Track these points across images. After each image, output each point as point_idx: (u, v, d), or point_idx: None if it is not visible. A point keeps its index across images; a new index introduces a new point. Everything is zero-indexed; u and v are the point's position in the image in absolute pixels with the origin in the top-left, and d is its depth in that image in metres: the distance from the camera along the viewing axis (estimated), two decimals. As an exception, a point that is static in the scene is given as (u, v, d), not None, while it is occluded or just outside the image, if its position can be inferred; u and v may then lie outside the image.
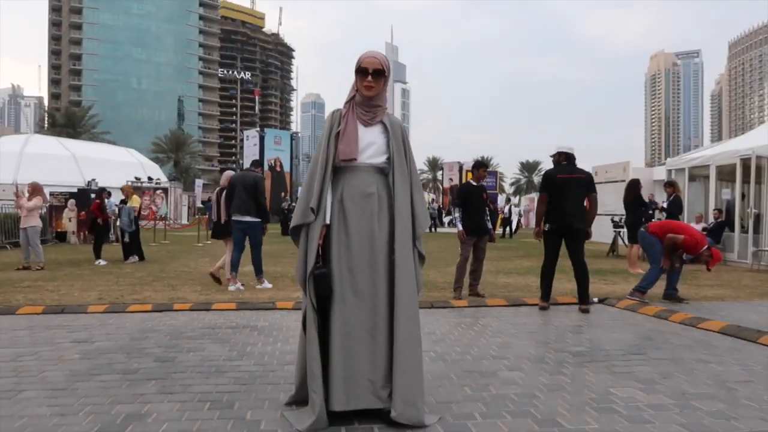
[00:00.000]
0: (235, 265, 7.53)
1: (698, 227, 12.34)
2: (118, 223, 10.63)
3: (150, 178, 29.78)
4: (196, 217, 20.36)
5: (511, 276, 9.13)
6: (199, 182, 56.45)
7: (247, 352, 4.04)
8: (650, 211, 10.65)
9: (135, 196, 10.90)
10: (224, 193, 7.72)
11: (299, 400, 2.84)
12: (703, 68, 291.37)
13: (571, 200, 5.88)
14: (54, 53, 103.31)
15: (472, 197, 6.66)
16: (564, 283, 7.45)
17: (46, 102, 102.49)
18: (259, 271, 7.73)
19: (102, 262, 10.45)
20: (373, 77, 2.74)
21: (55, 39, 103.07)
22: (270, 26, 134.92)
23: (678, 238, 6.20)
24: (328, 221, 2.73)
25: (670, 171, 14.31)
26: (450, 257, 12.22)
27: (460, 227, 6.60)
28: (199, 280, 8.26)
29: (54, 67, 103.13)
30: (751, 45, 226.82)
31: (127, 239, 10.56)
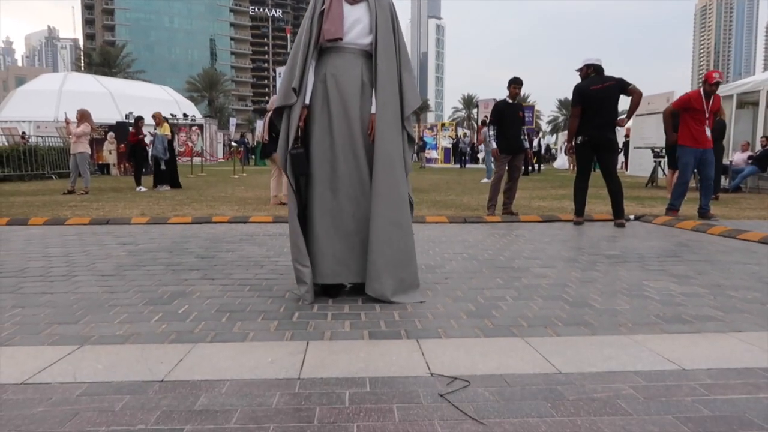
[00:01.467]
0: None
1: (743, 156, 11.90)
2: (152, 152, 10.80)
3: (185, 115, 30.07)
4: (232, 148, 20.55)
5: (546, 200, 9.04)
6: (233, 121, 56.79)
7: (284, 252, 4.16)
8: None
9: (165, 124, 11.03)
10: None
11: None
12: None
13: (604, 111, 5.74)
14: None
15: (507, 115, 6.52)
16: (599, 206, 7.35)
17: (81, 43, 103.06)
18: None
19: (143, 189, 10.74)
20: None
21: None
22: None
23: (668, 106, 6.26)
24: (308, 102, 2.71)
25: (716, 98, 13.69)
26: (484, 187, 12.14)
27: (494, 145, 6.51)
28: (236, 202, 8.44)
29: (87, 7, 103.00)
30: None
31: (163, 166, 10.77)
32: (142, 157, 11.15)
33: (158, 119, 11.02)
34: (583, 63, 5.96)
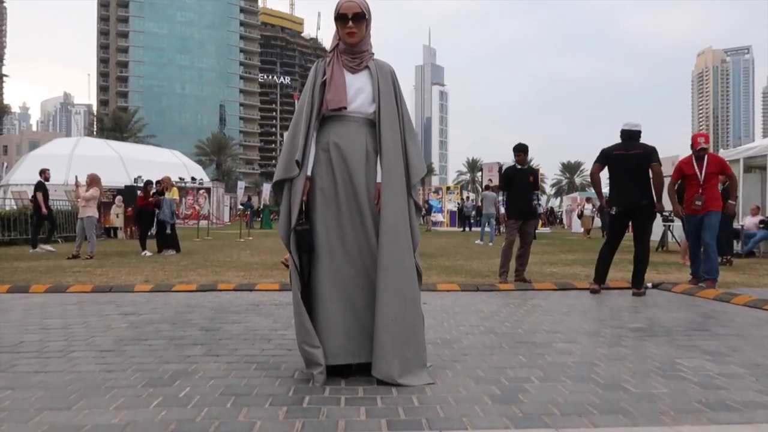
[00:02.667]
0: None
1: (755, 220, 11.78)
2: (159, 216, 10.78)
3: (193, 179, 30.43)
4: (239, 213, 20.63)
5: (557, 266, 8.86)
6: (241, 184, 57.45)
7: (291, 324, 3.97)
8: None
9: (174, 188, 11.08)
10: None
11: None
12: (754, 65, 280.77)
13: (633, 176, 5.54)
14: (102, 61, 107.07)
15: (516, 180, 6.47)
16: (614, 272, 7.17)
17: (95, 108, 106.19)
18: None
19: (148, 253, 10.65)
20: (353, 22, 2.62)
21: (103, 48, 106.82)
22: (309, 31, 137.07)
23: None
24: (310, 173, 2.62)
25: (723, 162, 13.73)
26: (494, 252, 11.99)
27: (503, 210, 6.43)
28: (242, 268, 8.30)
29: (102, 75, 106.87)
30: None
31: (168, 230, 10.72)
32: (148, 221, 11.10)
33: (167, 184, 11.07)
34: (622, 126, 5.88)
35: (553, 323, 4.07)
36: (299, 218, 2.56)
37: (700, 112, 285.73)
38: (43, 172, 11.87)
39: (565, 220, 42.90)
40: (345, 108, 2.60)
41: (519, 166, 6.57)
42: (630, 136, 5.72)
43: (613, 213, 5.71)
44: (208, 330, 3.77)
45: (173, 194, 11.03)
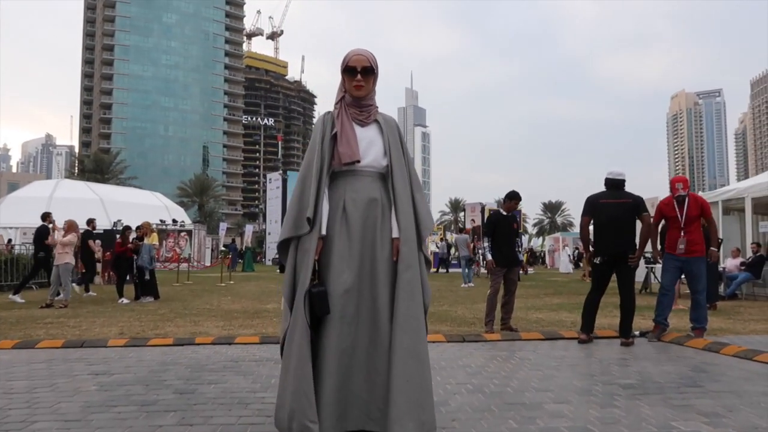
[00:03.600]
0: None
1: (736, 262, 11.86)
2: (138, 262, 10.52)
3: (174, 221, 30.11)
4: (220, 256, 20.26)
5: (542, 312, 8.77)
6: (223, 225, 56.94)
7: (271, 384, 3.81)
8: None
9: (154, 234, 10.88)
10: None
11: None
12: (725, 107, 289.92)
13: (619, 225, 5.51)
14: (86, 103, 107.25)
15: (501, 227, 6.43)
16: (599, 318, 7.08)
17: (76, 150, 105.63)
18: None
19: (125, 301, 10.35)
20: (362, 75, 2.56)
21: (87, 90, 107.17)
22: (293, 74, 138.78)
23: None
24: (324, 232, 2.49)
25: (702, 205, 13.91)
26: (477, 296, 11.88)
27: (489, 257, 6.36)
28: (222, 317, 8.07)
29: (85, 117, 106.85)
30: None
31: (147, 276, 10.46)
32: (126, 268, 10.82)
33: (146, 229, 10.87)
34: (606, 175, 5.87)
35: (543, 379, 3.95)
36: (312, 279, 2.42)
37: (676, 153, 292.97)
38: (91, 222, 13.33)
39: (547, 260, 43.08)
40: (359, 162, 2.51)
41: (505, 213, 6.54)
42: (615, 184, 5.69)
43: (597, 262, 5.66)
44: (182, 393, 3.58)
45: (152, 239, 10.82)
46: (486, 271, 19.64)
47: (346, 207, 2.49)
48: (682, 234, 5.80)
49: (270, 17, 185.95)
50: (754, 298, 11.35)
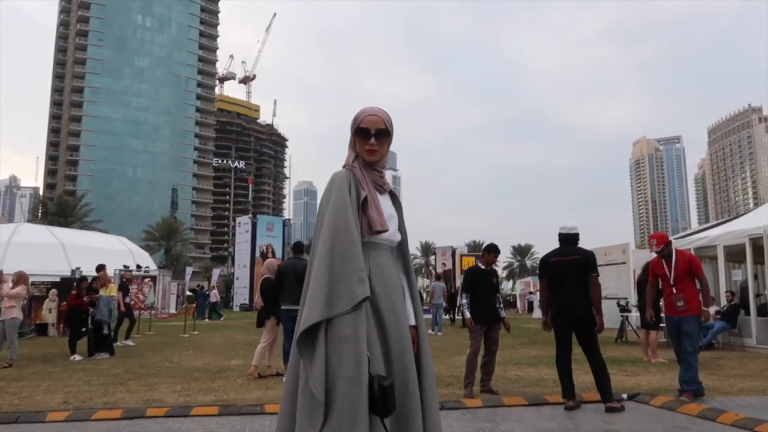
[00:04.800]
0: (287, 356, 6.95)
1: (711, 311, 11.76)
2: (96, 315, 9.84)
3: (138, 266, 29.06)
4: (184, 306, 19.36)
5: (521, 367, 8.41)
6: (189, 270, 55.59)
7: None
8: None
9: (111, 285, 10.24)
10: (262, 281, 7.68)
11: None
12: (684, 153, 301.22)
13: (569, 285, 5.27)
14: (52, 145, 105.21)
15: (481, 282, 6.12)
16: (582, 376, 6.77)
17: (41, 192, 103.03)
18: None
19: (77, 358, 9.64)
20: (376, 139, 2.23)
21: (54, 131, 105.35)
22: (265, 117, 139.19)
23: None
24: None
25: (674, 252, 13.91)
26: (451, 347, 11.48)
27: (468, 315, 6.01)
28: (181, 377, 7.49)
29: (51, 158, 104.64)
30: (729, 131, 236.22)
31: (105, 331, 9.78)
32: (80, 322, 10.09)
33: (103, 280, 10.24)
34: (559, 230, 5.66)
35: (533, 461, 3.56)
36: (371, 370, 1.93)
37: (639, 197, 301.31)
38: (125, 275, 13.30)
39: (518, 305, 42.90)
40: (386, 231, 2.17)
41: (483, 267, 6.24)
42: (568, 239, 5.50)
43: (549, 316, 5.42)
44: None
45: (110, 291, 10.19)
46: (450, 320, 19.48)
47: (375, 286, 2.09)
48: (674, 291, 5.63)
49: (243, 62, 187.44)
50: (731, 347, 11.23)
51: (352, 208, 2.09)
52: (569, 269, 5.28)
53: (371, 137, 2.21)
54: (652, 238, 6.01)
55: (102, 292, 10.21)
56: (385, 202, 2.26)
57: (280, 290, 7.16)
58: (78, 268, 21.10)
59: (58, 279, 22.24)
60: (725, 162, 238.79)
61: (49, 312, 16.00)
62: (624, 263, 18.14)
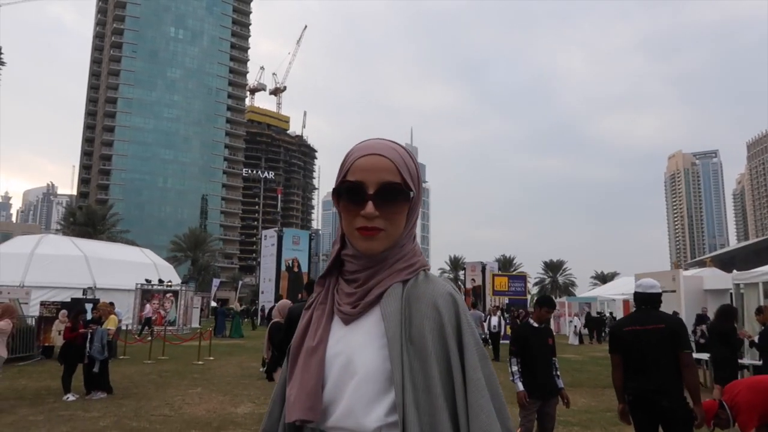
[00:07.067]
0: None
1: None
2: (90, 351, 8.87)
3: (161, 281, 28.44)
4: (199, 331, 18.36)
5: (572, 429, 7.13)
6: (216, 282, 55.14)
7: None
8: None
9: (113, 317, 9.30)
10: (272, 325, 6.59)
11: None
12: (722, 168, 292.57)
13: (651, 364, 3.93)
14: (86, 154, 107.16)
15: (533, 344, 4.89)
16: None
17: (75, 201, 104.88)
18: None
19: (71, 397, 8.70)
20: (378, 203, 1.23)
21: (88, 141, 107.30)
22: (294, 128, 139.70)
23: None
24: None
25: (737, 285, 12.42)
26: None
27: (521, 387, 4.79)
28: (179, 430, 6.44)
29: (85, 167, 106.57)
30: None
31: (96, 369, 8.82)
32: (76, 357, 9.14)
33: (103, 311, 9.31)
34: (635, 289, 4.36)
35: None
36: None
37: (675, 212, 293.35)
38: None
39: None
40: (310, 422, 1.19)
41: (536, 325, 5.02)
42: (646, 301, 4.16)
43: (627, 403, 4.07)
44: None
45: (110, 323, 9.24)
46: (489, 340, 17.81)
47: None
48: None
49: (273, 73, 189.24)
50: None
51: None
52: (650, 342, 3.97)
53: (367, 199, 1.09)
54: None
55: (101, 326, 9.27)
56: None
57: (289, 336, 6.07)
58: (90, 288, 20.48)
59: (80, 293, 21.69)
60: (765, 177, 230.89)
61: (58, 334, 15.22)
62: (674, 291, 16.53)
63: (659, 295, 4.19)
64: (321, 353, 1.08)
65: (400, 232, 1.14)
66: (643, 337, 3.99)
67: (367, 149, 1.13)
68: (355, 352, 1.07)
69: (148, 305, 24.89)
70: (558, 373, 4.98)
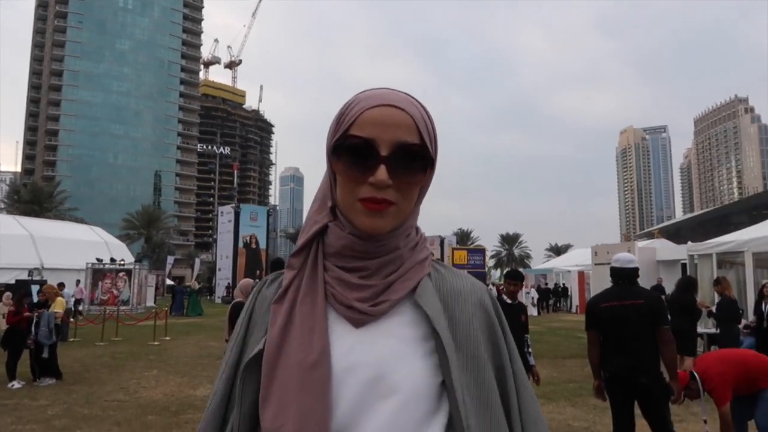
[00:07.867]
0: None
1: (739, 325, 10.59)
2: (34, 335, 8.37)
3: (112, 260, 27.47)
4: (154, 310, 17.82)
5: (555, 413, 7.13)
6: (170, 259, 53.84)
7: None
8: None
9: (59, 299, 8.79)
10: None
11: None
12: (670, 142, 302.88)
13: (630, 340, 3.87)
14: (30, 129, 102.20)
15: (507, 320, 4.78)
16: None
17: (19, 178, 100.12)
18: None
19: (16, 384, 8.23)
20: (392, 169, 0.99)
21: (32, 116, 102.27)
22: (251, 103, 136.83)
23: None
24: None
25: (692, 256, 12.73)
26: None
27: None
28: (129, 424, 6.11)
29: (29, 143, 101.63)
30: (715, 121, 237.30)
31: (45, 354, 8.35)
32: (19, 343, 8.62)
33: (49, 294, 8.78)
34: (611, 263, 4.26)
35: None
36: None
37: (625, 186, 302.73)
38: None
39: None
40: None
41: (509, 301, 4.90)
42: (623, 276, 4.08)
43: (604, 381, 4.02)
44: None
45: (57, 306, 8.73)
46: None
47: None
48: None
49: (228, 46, 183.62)
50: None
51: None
52: (629, 319, 3.89)
53: (379, 162, 0.82)
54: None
55: (47, 309, 8.76)
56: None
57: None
58: (36, 268, 19.57)
59: (26, 274, 20.62)
60: (711, 152, 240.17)
61: (2, 318, 14.46)
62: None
63: (636, 269, 4.10)
64: (326, 367, 0.81)
65: (411, 209, 0.89)
66: (620, 313, 3.91)
67: (379, 98, 0.86)
68: (389, 364, 0.83)
69: (75, 286, 23.46)
70: (530, 350, 4.90)
